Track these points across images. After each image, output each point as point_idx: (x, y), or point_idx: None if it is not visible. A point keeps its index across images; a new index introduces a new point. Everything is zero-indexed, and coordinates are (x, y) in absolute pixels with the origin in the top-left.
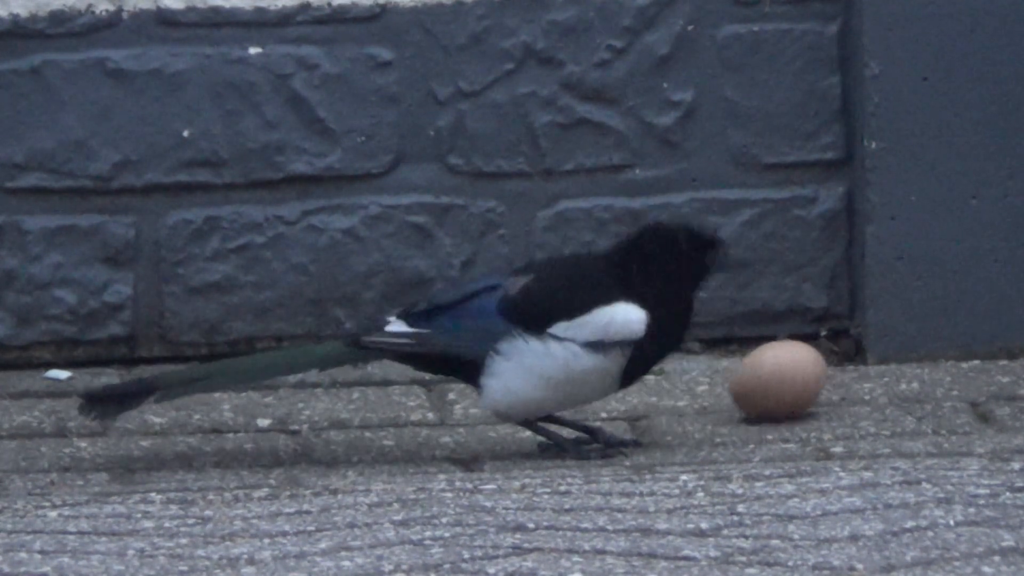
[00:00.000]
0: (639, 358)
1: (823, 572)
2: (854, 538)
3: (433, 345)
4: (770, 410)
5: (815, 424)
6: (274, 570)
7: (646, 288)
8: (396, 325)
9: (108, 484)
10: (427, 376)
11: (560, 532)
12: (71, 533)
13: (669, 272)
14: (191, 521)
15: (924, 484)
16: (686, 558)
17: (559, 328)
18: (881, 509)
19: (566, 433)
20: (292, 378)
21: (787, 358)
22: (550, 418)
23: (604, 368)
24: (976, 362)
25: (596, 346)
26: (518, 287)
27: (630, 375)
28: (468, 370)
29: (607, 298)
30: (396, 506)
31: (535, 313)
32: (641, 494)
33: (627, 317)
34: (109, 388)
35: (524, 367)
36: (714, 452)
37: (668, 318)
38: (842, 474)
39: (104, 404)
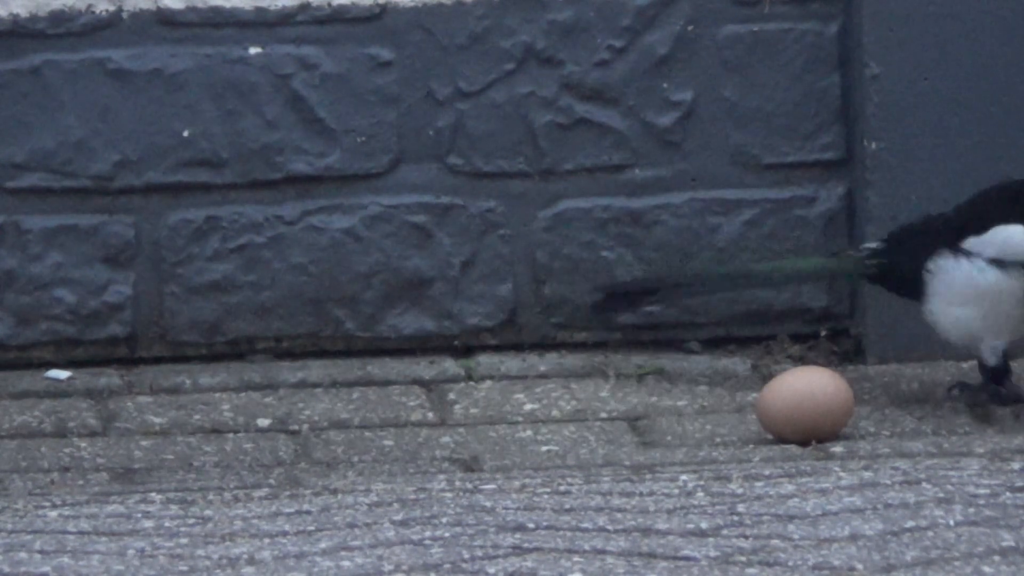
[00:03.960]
0: None
1: (823, 572)
2: (854, 538)
3: (884, 262)
4: (796, 434)
5: None
6: (274, 570)
7: None
8: (870, 242)
9: (108, 484)
10: (427, 376)
11: (560, 532)
12: (71, 533)
13: None
14: (191, 521)
15: (924, 484)
16: (686, 558)
17: (969, 243)
18: (881, 509)
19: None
20: (292, 378)
21: (819, 386)
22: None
23: (1008, 286)
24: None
25: (997, 263)
26: (954, 207)
27: None
28: (915, 291)
29: (1006, 219)
30: (396, 506)
31: (951, 229)
32: (641, 494)
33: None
34: (619, 285)
35: (945, 284)
36: (714, 452)
37: None
38: (842, 474)
39: (615, 303)
